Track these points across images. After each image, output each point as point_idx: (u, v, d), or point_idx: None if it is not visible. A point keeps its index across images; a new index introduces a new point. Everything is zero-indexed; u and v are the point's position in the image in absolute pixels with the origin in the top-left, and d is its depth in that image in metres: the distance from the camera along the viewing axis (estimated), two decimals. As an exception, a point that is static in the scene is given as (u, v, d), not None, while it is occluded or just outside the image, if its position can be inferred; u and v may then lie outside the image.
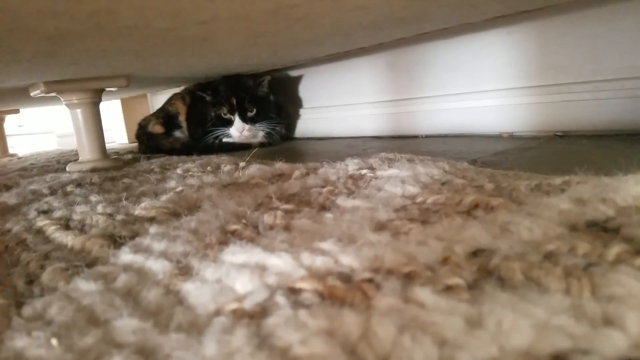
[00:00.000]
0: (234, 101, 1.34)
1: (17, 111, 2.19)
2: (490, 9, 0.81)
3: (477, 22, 0.96)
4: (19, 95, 1.38)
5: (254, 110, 1.35)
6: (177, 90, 1.68)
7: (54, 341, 0.26)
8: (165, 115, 1.57)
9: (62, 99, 1.16)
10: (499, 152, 0.83)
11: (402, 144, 1.12)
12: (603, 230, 0.35)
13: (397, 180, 0.59)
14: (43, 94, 1.13)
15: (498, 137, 1.03)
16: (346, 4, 0.64)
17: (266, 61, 1.25)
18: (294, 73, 1.58)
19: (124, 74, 1.14)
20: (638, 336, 0.22)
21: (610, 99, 0.87)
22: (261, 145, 1.39)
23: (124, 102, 2.25)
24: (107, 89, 1.19)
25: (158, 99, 2.16)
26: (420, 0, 0.66)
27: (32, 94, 1.17)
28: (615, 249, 0.30)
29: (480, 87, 1.09)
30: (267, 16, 0.64)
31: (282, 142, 1.46)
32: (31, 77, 1.01)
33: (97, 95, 1.18)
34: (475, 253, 0.33)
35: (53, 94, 1.14)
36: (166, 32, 0.66)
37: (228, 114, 1.36)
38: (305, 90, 1.58)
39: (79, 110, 1.17)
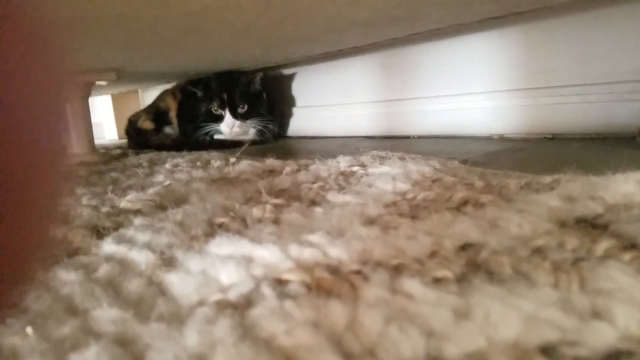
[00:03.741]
0: (225, 96, 1.33)
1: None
2: (483, 8, 0.81)
3: (469, 23, 0.96)
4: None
5: (245, 106, 1.35)
6: (168, 86, 1.67)
7: (29, 329, 0.25)
8: (156, 111, 1.55)
9: (50, 92, 1.15)
10: (489, 153, 0.83)
11: (394, 143, 1.12)
12: (592, 226, 0.35)
13: (388, 177, 0.58)
14: (31, 86, 1.11)
15: (488, 139, 1.03)
16: (339, -1, 0.64)
17: (259, 58, 1.24)
18: (287, 71, 1.58)
19: (114, 67, 1.13)
20: (626, 329, 0.22)
21: (599, 102, 0.88)
22: (253, 142, 1.38)
23: (115, 98, 2.23)
24: (97, 83, 1.17)
25: (149, 95, 2.14)
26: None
27: (19, 86, 1.16)
28: (604, 244, 0.30)
29: (472, 89, 1.09)
30: (258, 8, 0.63)
31: (274, 141, 1.46)
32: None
33: (86, 89, 1.16)
34: (464, 247, 0.33)
35: (41, 87, 1.12)
36: (155, 21, 0.65)
37: (219, 110, 1.35)
38: (298, 89, 1.57)
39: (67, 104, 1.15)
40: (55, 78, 0.14)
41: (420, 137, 1.20)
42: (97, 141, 1.27)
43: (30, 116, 0.12)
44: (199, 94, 1.39)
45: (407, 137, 1.22)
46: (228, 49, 1.01)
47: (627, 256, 0.29)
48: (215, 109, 1.35)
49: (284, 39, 0.93)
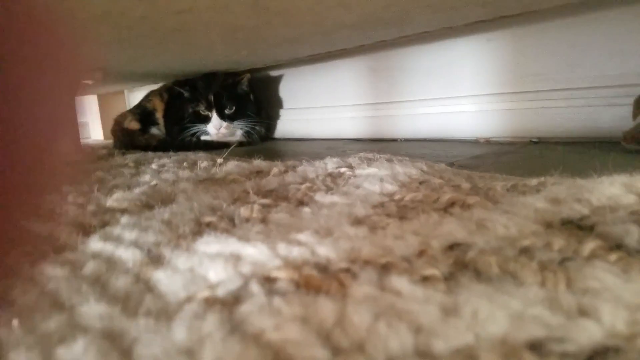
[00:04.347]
0: (212, 97, 1.33)
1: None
2: (471, 12, 0.82)
3: (457, 27, 0.97)
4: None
5: (233, 107, 1.34)
6: (155, 87, 1.66)
7: (15, 322, 0.24)
8: (142, 111, 1.54)
9: (34, 90, 1.13)
10: (475, 156, 0.84)
11: (381, 146, 1.12)
12: (578, 227, 0.35)
13: (375, 178, 0.59)
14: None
15: (475, 142, 1.05)
16: (328, 0, 0.64)
17: (246, 59, 1.24)
18: (274, 73, 1.57)
19: (100, 67, 1.12)
20: (612, 326, 0.22)
21: (585, 107, 0.89)
22: (240, 144, 1.37)
23: (101, 98, 2.20)
24: (83, 82, 1.16)
25: (135, 96, 2.12)
26: (402, 0, 0.67)
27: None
28: (590, 245, 0.30)
29: (459, 93, 1.10)
30: (246, 8, 0.63)
31: (262, 142, 1.45)
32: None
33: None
34: (452, 247, 0.33)
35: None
36: (141, 21, 0.64)
37: (206, 111, 1.34)
38: (285, 91, 1.57)
39: (52, 102, 1.14)
40: (68, 73, 0.13)
41: (407, 140, 1.21)
42: (83, 141, 1.26)
43: (40, 111, 0.12)
44: (186, 94, 1.39)
45: (395, 140, 1.23)
46: (215, 49, 1.00)
47: (613, 256, 0.29)
48: (202, 109, 1.35)
49: (272, 40, 0.93)
